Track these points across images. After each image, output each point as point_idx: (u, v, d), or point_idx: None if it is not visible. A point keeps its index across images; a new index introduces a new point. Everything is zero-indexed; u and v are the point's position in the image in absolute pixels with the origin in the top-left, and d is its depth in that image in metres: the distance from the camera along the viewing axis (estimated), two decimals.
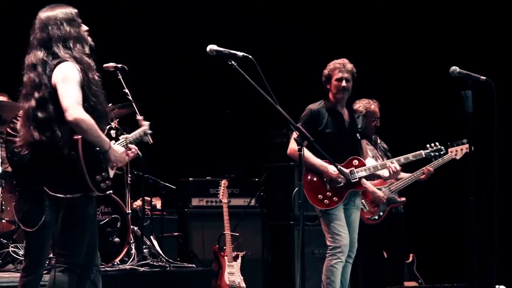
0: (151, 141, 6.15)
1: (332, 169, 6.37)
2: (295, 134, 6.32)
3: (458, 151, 7.18)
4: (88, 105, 4.48)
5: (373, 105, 7.45)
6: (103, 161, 4.52)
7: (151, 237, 7.79)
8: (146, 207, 7.97)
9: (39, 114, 4.49)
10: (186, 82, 9.47)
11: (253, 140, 9.22)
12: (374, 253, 7.51)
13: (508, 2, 9.17)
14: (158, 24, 9.44)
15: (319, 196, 6.46)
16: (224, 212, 7.85)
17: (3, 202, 7.07)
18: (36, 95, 4.51)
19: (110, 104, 7.25)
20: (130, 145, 4.88)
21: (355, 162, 6.53)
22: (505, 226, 7.55)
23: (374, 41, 9.85)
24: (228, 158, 9.06)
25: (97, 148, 4.48)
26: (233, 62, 4.82)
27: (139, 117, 5.47)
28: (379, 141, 7.60)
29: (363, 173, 6.53)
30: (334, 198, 6.44)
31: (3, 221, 7.10)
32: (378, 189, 7.20)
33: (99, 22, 9.07)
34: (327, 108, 6.57)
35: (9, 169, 7.39)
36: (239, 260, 7.83)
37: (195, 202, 8.69)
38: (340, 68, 6.50)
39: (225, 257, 7.78)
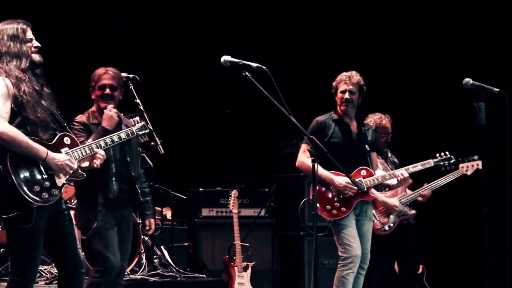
0: (162, 152, 6.14)
1: (338, 180, 6.35)
2: (304, 146, 6.41)
3: (469, 167, 7.19)
4: (19, 120, 4.48)
5: (385, 120, 7.42)
6: (45, 170, 4.47)
7: (162, 247, 7.80)
8: (156, 217, 7.98)
9: None
10: (196, 92, 9.50)
11: (263, 150, 9.23)
12: (386, 264, 7.48)
13: None
14: (169, 34, 9.48)
15: (327, 206, 6.43)
16: (234, 223, 7.85)
17: None
18: None
19: (121, 115, 7.30)
20: (97, 150, 4.79)
21: (363, 172, 6.49)
22: None
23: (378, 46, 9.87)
24: (238, 169, 9.06)
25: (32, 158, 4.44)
26: (247, 73, 4.84)
27: (135, 118, 5.44)
28: (389, 154, 7.58)
29: (371, 183, 6.50)
30: (342, 208, 6.41)
31: None
32: None
33: (111, 33, 9.21)
34: (334, 119, 6.57)
35: None
36: (249, 271, 7.83)
37: (205, 212, 8.70)
38: (345, 80, 6.49)
39: (235, 267, 7.78)
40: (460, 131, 8.77)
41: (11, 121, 4.47)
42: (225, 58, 4.92)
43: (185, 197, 8.52)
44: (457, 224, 9.25)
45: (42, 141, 4.52)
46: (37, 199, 4.41)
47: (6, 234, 4.58)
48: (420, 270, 8.46)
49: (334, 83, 6.58)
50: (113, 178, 5.48)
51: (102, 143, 4.90)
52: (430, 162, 6.88)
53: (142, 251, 7.41)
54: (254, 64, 4.86)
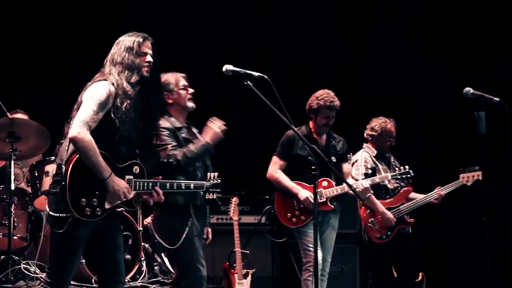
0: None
1: (302, 193, 6.68)
2: (274, 158, 6.92)
3: (469, 178, 7.30)
4: (109, 127, 4.51)
5: (389, 124, 7.48)
6: (100, 188, 4.48)
7: (162, 254, 7.80)
8: None
9: (66, 129, 4.61)
10: (198, 100, 9.49)
11: (264, 157, 9.22)
12: (383, 272, 7.49)
13: None
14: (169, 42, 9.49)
15: (288, 215, 6.82)
16: (234, 230, 7.86)
17: (15, 219, 7.10)
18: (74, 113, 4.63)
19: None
20: (157, 188, 4.74)
21: (324, 183, 6.76)
22: None
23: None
24: (238, 176, 9.06)
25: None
26: (249, 82, 4.87)
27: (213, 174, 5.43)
28: (392, 159, 7.60)
29: (331, 194, 6.73)
30: (301, 217, 6.77)
31: (15, 237, 7.13)
32: (388, 209, 7.24)
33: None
34: (303, 134, 6.76)
35: (22, 185, 7.45)
36: (249, 278, 7.83)
37: None
38: (330, 106, 6.78)
39: (235, 274, 7.77)
40: (460, 140, 8.79)
41: (103, 124, 4.49)
42: (227, 67, 4.96)
43: None
44: (457, 232, 9.26)
45: (112, 161, 4.53)
46: (78, 211, 4.42)
47: (51, 233, 4.59)
48: (420, 278, 8.46)
49: (315, 104, 6.82)
50: None
51: (168, 185, 4.86)
52: (388, 176, 7.12)
53: (142, 258, 7.42)
54: (256, 74, 4.91)
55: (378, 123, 7.46)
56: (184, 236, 5.38)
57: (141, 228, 7.49)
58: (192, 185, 5.15)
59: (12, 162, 7.02)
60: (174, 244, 5.39)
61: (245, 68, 4.97)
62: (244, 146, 9.48)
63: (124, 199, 4.57)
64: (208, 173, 5.40)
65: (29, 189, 7.48)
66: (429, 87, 9.58)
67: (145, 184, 4.69)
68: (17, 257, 7.01)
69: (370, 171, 7.23)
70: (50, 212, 4.50)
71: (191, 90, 5.72)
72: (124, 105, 4.53)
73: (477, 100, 5.22)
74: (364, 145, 7.53)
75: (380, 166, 7.38)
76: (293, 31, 9.87)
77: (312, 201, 6.46)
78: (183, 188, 5.07)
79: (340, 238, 7.47)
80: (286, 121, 4.85)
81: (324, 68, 9.67)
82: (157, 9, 9.60)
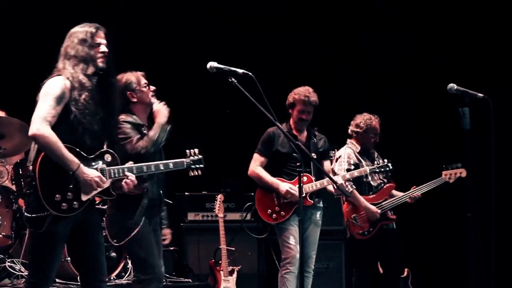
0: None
1: (282, 186, 6.74)
2: (256, 155, 6.94)
3: (452, 175, 7.32)
4: (71, 121, 4.46)
5: (374, 121, 7.46)
6: (73, 181, 4.43)
7: None
8: None
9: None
10: (182, 96, 9.48)
11: (249, 154, 9.23)
12: (367, 268, 7.50)
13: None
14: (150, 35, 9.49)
15: (269, 211, 6.86)
16: (220, 227, 7.86)
17: (0, 217, 7.07)
18: None
19: None
20: (127, 173, 4.67)
21: (304, 178, 6.76)
22: (501, 241, 7.61)
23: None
24: (224, 173, 9.06)
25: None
26: (233, 79, 4.85)
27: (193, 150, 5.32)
28: (376, 155, 7.61)
29: (310, 189, 6.78)
30: (281, 212, 6.82)
31: (0, 236, 7.10)
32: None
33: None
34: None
35: (6, 183, 7.41)
36: (234, 275, 7.84)
37: (191, 216, 8.70)
38: (304, 100, 6.85)
39: (221, 271, 7.78)
40: (445, 136, 8.80)
41: (64, 118, 4.43)
42: (211, 64, 4.94)
43: (171, 202, 8.49)
44: (442, 228, 9.29)
45: (81, 152, 4.47)
46: (54, 208, 4.37)
47: (30, 233, 4.55)
48: (405, 274, 8.49)
49: (291, 98, 6.92)
50: (155, 179, 5.39)
51: (144, 168, 4.80)
52: (366, 170, 7.14)
53: (127, 256, 7.38)
54: (240, 70, 4.88)
55: (363, 119, 7.44)
56: (134, 233, 5.25)
57: None
58: (171, 164, 5.06)
59: None
60: (122, 241, 5.28)
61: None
62: (229, 144, 9.48)
63: (99, 188, 4.51)
64: (188, 150, 5.28)
65: (13, 187, 7.44)
66: (413, 84, 9.59)
67: (120, 171, 4.63)
68: (2, 255, 6.99)
69: (352, 167, 7.23)
70: (27, 214, 4.45)
71: (152, 88, 5.65)
72: (83, 97, 4.48)
73: (461, 96, 5.24)
74: (348, 141, 7.52)
75: (364, 162, 7.37)
76: (290, 30, 9.87)
77: (293, 192, 6.60)
78: (162, 168, 4.98)
79: (326, 235, 7.51)
80: (270, 118, 4.84)
81: (322, 68, 9.70)
82: (156, 9, 9.57)
